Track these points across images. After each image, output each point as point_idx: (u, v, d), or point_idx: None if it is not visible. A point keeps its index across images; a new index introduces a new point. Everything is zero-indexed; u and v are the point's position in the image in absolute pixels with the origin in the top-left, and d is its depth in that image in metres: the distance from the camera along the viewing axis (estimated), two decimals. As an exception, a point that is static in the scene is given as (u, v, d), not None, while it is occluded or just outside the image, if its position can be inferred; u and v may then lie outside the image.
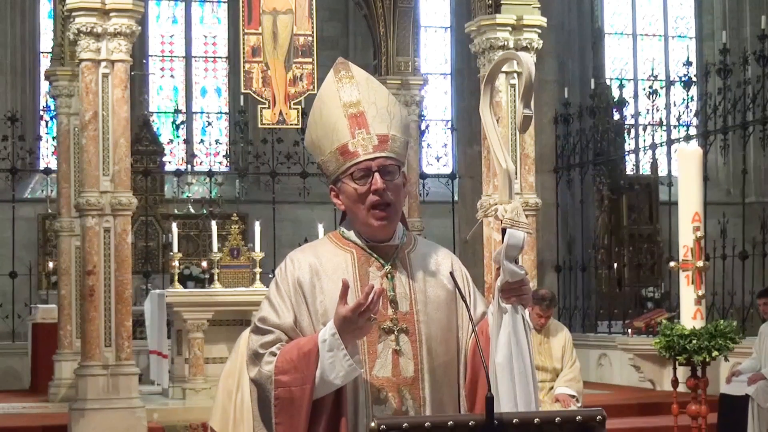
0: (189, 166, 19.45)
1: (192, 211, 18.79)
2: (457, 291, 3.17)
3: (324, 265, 3.18)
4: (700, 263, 7.15)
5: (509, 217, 3.07)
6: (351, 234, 3.23)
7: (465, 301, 3.15)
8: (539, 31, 10.87)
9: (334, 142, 3.17)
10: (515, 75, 10.55)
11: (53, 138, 15.92)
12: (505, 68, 10.61)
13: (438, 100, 22.33)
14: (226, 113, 21.71)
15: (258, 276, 12.12)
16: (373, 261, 3.20)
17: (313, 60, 12.32)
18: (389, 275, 3.18)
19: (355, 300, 2.98)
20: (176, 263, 12.55)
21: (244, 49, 12.23)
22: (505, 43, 10.65)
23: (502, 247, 3.05)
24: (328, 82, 3.25)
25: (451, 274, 3.20)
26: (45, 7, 20.14)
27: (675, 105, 14.85)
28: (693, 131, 15.29)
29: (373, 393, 3.11)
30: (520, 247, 3.05)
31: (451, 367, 3.21)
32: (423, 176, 15.88)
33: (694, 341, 7.06)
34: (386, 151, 3.15)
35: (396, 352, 3.13)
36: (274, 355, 3.07)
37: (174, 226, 13.58)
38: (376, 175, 3.12)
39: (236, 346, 7.43)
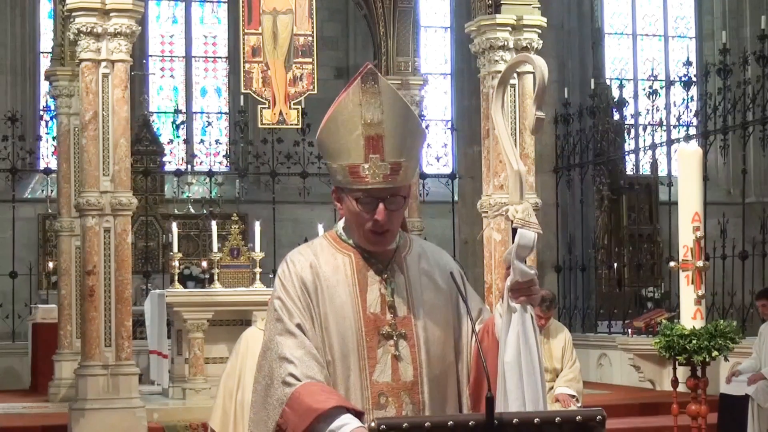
0: (189, 166, 19.44)
1: (192, 211, 18.78)
2: (458, 291, 3.18)
3: (323, 268, 3.17)
4: (700, 263, 7.14)
5: (520, 218, 3.08)
6: (348, 237, 3.23)
7: (466, 302, 3.15)
8: (539, 31, 10.86)
9: (346, 158, 3.11)
10: (515, 75, 10.54)
11: (53, 138, 15.92)
12: (502, 68, 10.62)
13: (438, 100, 22.31)
14: (226, 113, 21.69)
15: (258, 276, 12.12)
16: (371, 265, 3.19)
17: (313, 60, 12.32)
18: (387, 280, 3.18)
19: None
20: (176, 263, 12.55)
21: (244, 49, 12.23)
22: (505, 43, 10.64)
23: (512, 246, 3.07)
24: (354, 92, 3.13)
25: (451, 274, 3.20)
26: (45, 7, 20.12)
27: (675, 105, 14.86)
28: (693, 131, 15.29)
29: (374, 398, 3.11)
30: (530, 247, 3.07)
31: (450, 370, 3.20)
32: (423, 176, 15.89)
33: (694, 341, 7.06)
34: (396, 181, 3.10)
35: (395, 358, 3.13)
36: (298, 380, 3.04)
37: (174, 226, 13.58)
38: (381, 205, 3.09)
39: (236, 346, 7.45)
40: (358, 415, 3.01)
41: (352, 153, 3.09)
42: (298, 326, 3.11)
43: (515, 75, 10.53)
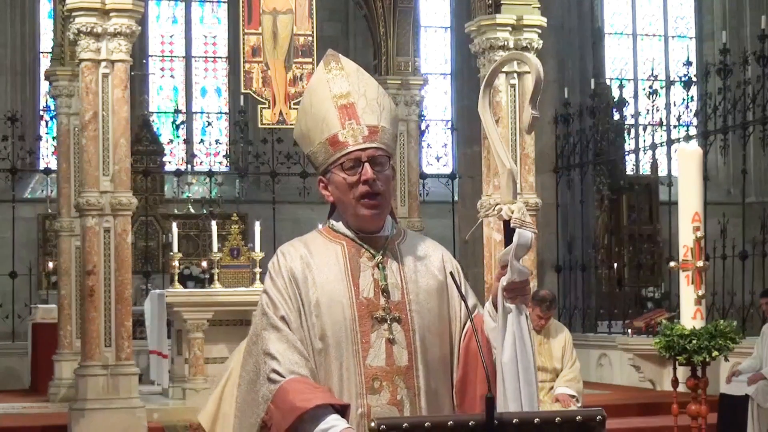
0: (189, 166, 19.46)
1: (192, 211, 18.79)
2: (457, 290, 3.17)
3: (315, 257, 3.18)
4: (700, 263, 7.15)
5: (517, 217, 3.08)
6: (340, 226, 3.24)
7: (465, 300, 3.15)
8: (539, 31, 10.86)
9: (323, 132, 3.17)
10: (515, 75, 10.55)
11: (53, 138, 15.92)
12: (505, 68, 10.62)
13: (438, 100, 22.32)
14: (226, 113, 21.71)
15: (258, 276, 12.12)
16: (363, 252, 3.20)
17: (313, 60, 12.32)
18: (380, 265, 3.18)
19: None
20: (176, 263, 12.56)
21: (244, 49, 12.23)
22: (505, 43, 10.64)
23: (511, 246, 3.06)
24: (318, 74, 3.25)
25: (451, 274, 3.20)
26: (45, 7, 20.14)
27: (675, 105, 14.85)
28: (693, 131, 15.28)
29: (367, 382, 3.09)
30: (528, 246, 3.08)
31: (445, 358, 3.20)
32: (423, 176, 15.88)
33: (694, 341, 7.06)
34: (376, 141, 3.16)
35: (389, 341, 3.12)
36: (282, 376, 3.05)
37: (174, 226, 13.59)
38: (366, 165, 3.13)
39: (236, 352, 7.44)
40: (344, 408, 3.01)
41: (328, 123, 3.17)
42: (282, 318, 3.11)
43: (515, 75, 10.54)
